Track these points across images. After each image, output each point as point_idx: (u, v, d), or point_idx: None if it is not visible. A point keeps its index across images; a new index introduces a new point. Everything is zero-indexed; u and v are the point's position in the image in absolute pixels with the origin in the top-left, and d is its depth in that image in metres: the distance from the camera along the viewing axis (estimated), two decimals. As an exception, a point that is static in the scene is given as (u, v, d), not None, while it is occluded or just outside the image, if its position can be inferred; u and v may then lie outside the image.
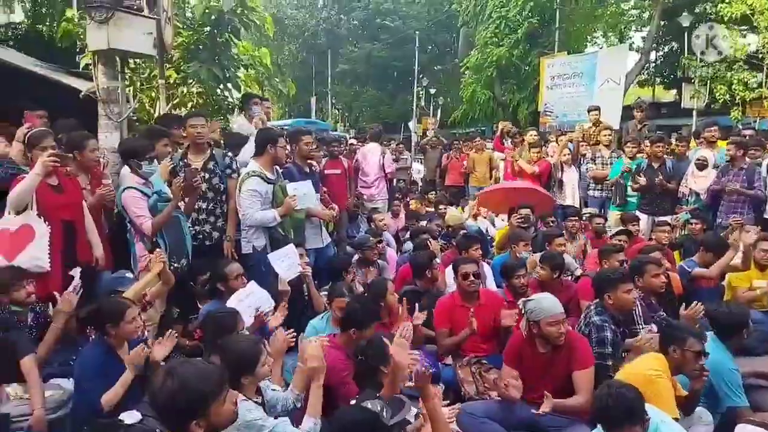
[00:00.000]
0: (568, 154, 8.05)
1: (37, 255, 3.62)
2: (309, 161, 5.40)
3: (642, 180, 6.92)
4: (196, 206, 4.57)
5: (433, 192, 9.76)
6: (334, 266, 5.02)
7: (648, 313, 4.05)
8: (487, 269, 5.17)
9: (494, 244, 6.67)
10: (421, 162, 11.93)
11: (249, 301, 3.85)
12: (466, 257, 4.76)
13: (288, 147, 5.03)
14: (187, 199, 4.35)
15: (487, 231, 7.35)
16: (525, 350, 3.46)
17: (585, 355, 3.36)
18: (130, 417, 3.01)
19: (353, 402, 2.28)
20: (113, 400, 3.03)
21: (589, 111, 9.13)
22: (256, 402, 2.67)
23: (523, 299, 3.51)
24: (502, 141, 10.13)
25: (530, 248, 5.37)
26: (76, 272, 3.75)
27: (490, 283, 5.05)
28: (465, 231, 6.42)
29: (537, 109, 16.46)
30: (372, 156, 7.71)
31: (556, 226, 6.38)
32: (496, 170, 9.35)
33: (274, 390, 3.00)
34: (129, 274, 4.06)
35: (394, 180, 9.57)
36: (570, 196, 7.97)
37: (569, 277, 5.13)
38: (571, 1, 19.64)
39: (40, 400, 3.13)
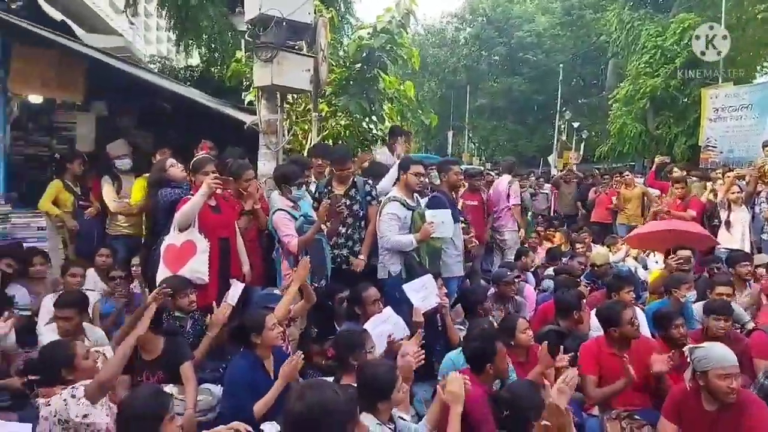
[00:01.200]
0: (738, 192, 7.18)
1: (197, 268, 3.98)
2: (454, 191, 5.41)
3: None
4: (337, 231, 4.75)
5: (577, 228, 9.21)
6: (468, 298, 4.89)
7: None
8: (640, 315, 4.70)
9: (648, 288, 6.10)
10: (547, 198, 11.30)
11: (384, 327, 3.88)
12: (619, 300, 4.36)
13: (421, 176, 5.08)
14: (329, 224, 4.55)
15: (636, 272, 6.74)
16: (687, 405, 3.05)
17: (760, 422, 2.87)
18: (270, 427, 3.15)
19: None
20: (263, 410, 3.19)
21: (764, 146, 8.13)
22: (390, 429, 2.64)
23: (691, 345, 3.11)
24: (656, 176, 9.35)
25: (694, 290, 4.79)
26: (238, 286, 4.06)
27: (644, 331, 4.58)
28: (614, 271, 5.95)
29: (697, 144, 15.01)
30: (500, 186, 7.55)
31: (722, 272, 5.66)
32: (652, 205, 8.60)
33: (403, 419, 2.95)
34: (277, 291, 4.31)
35: (529, 213, 9.21)
36: (738, 239, 7.05)
37: (739, 330, 4.49)
38: (738, 28, 17.83)
39: (194, 402, 3.39)
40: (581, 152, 26.04)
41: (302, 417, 1.93)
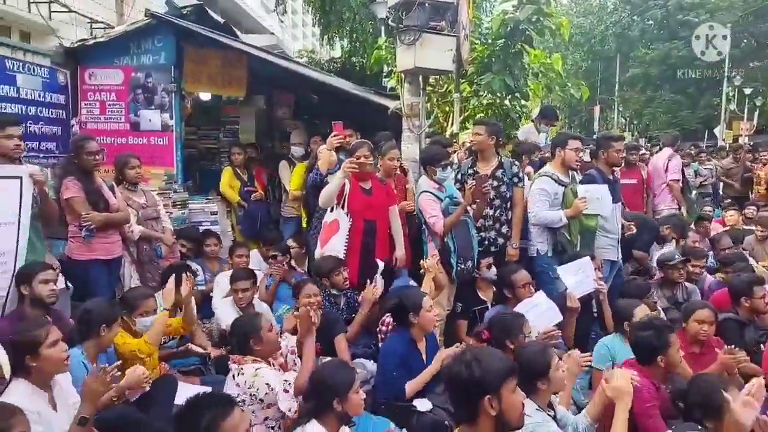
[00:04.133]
0: None
1: (335, 245, 4.17)
2: (613, 169, 5.03)
3: None
4: (483, 213, 4.67)
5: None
6: (629, 289, 4.51)
7: None
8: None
9: None
10: (712, 175, 9.98)
11: (535, 311, 3.75)
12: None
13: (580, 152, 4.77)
14: (476, 205, 4.48)
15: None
16: None
17: None
18: (422, 405, 3.22)
19: None
20: (416, 389, 3.26)
21: None
22: (550, 415, 2.55)
23: None
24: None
25: None
26: (380, 265, 4.18)
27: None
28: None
29: None
30: (658, 161, 6.87)
31: None
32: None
33: (562, 409, 2.83)
34: (412, 283, 4.31)
35: (693, 192, 8.28)
36: None
37: None
38: None
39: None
40: (755, 122, 22.92)
41: (461, 375, 1.96)
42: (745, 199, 8.92)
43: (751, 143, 14.29)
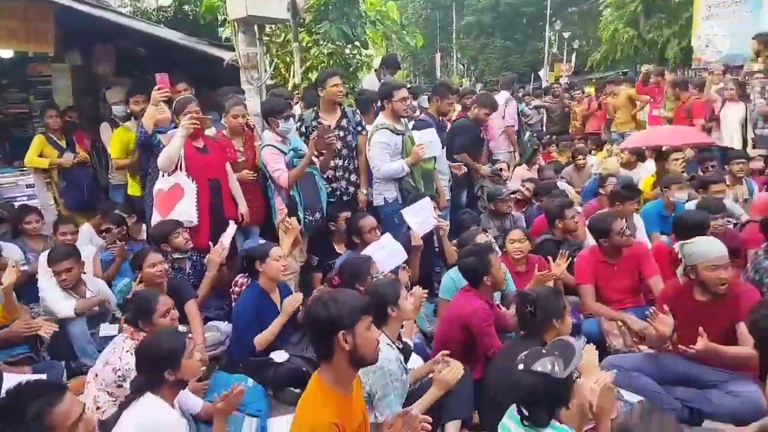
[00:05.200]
0: (733, 89, 7.10)
1: (185, 210, 3.95)
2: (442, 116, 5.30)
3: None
4: (333, 163, 4.69)
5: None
6: (464, 220, 4.93)
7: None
8: (638, 219, 4.76)
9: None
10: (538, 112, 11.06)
11: (382, 253, 3.92)
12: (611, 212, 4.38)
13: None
14: (322, 156, 4.49)
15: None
16: (680, 299, 3.11)
17: (755, 306, 2.94)
18: (278, 356, 3.26)
19: (521, 366, 2.14)
20: (268, 340, 3.28)
21: (754, 39, 7.87)
22: (398, 349, 2.73)
23: (681, 242, 3.15)
24: (644, 84, 9.20)
25: (685, 192, 4.82)
26: (232, 227, 4.07)
27: (641, 235, 4.64)
28: (621, 182, 5.96)
29: (689, 45, 14.64)
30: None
31: (717, 171, 5.70)
32: (641, 108, 8.54)
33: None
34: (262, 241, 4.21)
35: (526, 134, 9.09)
36: (729, 136, 7.03)
37: (733, 225, 4.54)
38: None
39: (202, 337, 3.49)
40: (573, 63, 25.46)
41: (319, 315, 2.01)
42: (565, 134, 10.03)
43: (569, 82, 15.95)
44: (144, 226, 4.86)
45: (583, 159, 7.13)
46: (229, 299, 3.94)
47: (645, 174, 6.58)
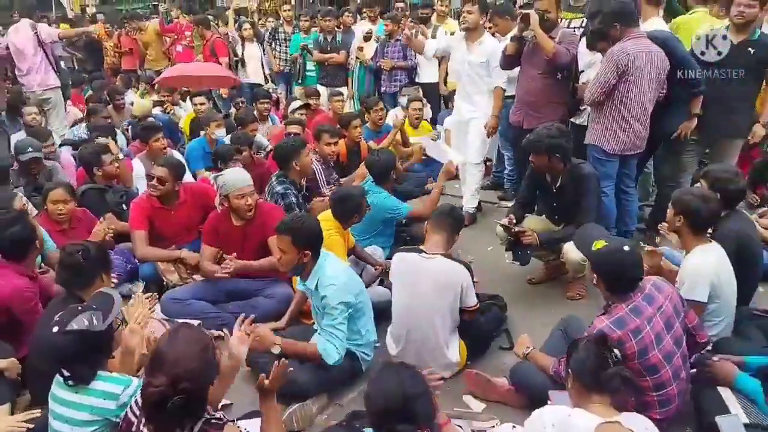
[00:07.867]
0: (250, 29, 8.01)
1: None
2: None
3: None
4: None
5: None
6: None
7: (328, 176, 4.60)
8: (179, 157, 4.96)
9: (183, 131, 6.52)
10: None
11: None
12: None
13: None
14: None
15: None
16: (222, 226, 3.52)
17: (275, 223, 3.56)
18: None
19: (56, 329, 1.95)
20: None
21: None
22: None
23: (214, 174, 3.52)
24: (166, 23, 9.32)
25: (224, 128, 5.30)
26: None
27: (188, 176, 4.84)
28: (150, 120, 6.00)
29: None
30: (24, 31, 6.20)
31: (246, 108, 6.49)
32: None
33: None
34: None
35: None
36: (253, 73, 7.97)
37: (260, 155, 5.28)
38: None
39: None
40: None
41: None
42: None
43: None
44: None
45: (121, 99, 6.83)
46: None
47: (185, 114, 6.89)
